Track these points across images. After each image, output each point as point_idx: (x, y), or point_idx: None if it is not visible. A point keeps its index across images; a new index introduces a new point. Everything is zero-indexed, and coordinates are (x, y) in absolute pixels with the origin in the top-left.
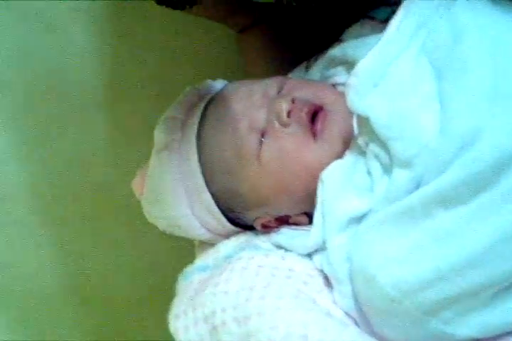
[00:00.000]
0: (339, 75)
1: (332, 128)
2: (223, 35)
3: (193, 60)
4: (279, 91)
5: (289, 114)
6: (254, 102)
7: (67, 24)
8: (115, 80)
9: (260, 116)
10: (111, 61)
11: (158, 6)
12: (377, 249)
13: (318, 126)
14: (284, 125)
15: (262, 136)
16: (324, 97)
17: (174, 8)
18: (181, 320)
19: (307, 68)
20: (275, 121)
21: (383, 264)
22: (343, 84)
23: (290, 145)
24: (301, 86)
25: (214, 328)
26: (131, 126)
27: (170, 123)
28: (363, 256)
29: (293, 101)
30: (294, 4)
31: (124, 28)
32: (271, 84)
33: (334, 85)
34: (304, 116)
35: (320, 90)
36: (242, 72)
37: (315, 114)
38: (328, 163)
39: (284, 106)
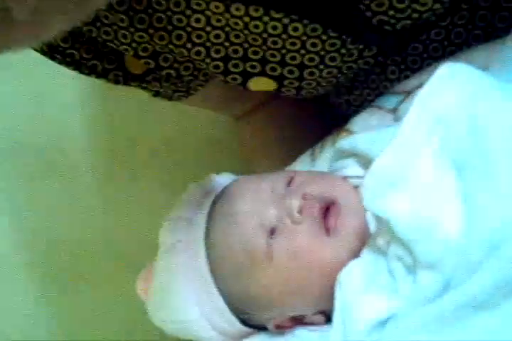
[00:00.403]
0: (349, 168)
1: (346, 223)
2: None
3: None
4: (288, 185)
5: (300, 210)
6: (262, 200)
7: None
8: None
9: (270, 214)
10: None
11: None
12: None
13: (332, 222)
14: (296, 223)
15: (273, 234)
16: (336, 191)
17: (169, 100)
18: None
19: (312, 157)
20: (286, 219)
21: None
22: (355, 177)
23: (303, 243)
24: (312, 180)
25: None
26: None
27: (176, 223)
28: None
29: (304, 197)
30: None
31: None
32: (279, 179)
33: (345, 178)
34: (316, 212)
35: (331, 184)
36: (243, 159)
37: (327, 209)
38: (343, 260)
39: (295, 202)
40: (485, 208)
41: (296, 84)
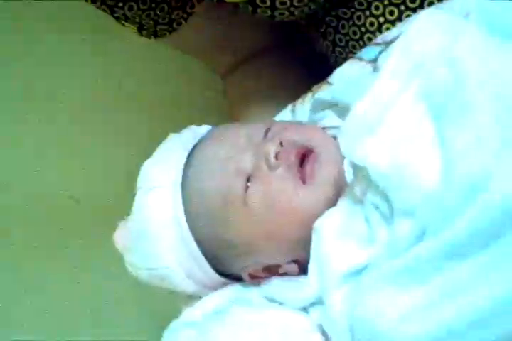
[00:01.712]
0: (328, 118)
1: (322, 171)
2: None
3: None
4: (265, 134)
5: (277, 156)
6: (240, 146)
7: None
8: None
9: (247, 160)
10: None
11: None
12: (384, 305)
13: (308, 169)
14: (272, 168)
15: (249, 179)
16: (314, 139)
17: (154, 36)
18: None
19: (293, 111)
20: (263, 164)
21: (391, 321)
22: (333, 127)
23: (278, 189)
24: (290, 128)
25: None
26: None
27: (154, 168)
28: (368, 313)
29: (281, 143)
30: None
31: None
32: (257, 127)
33: (324, 128)
34: (292, 158)
35: (309, 132)
36: (228, 115)
37: (304, 156)
38: (318, 209)
39: (272, 148)
40: (462, 154)
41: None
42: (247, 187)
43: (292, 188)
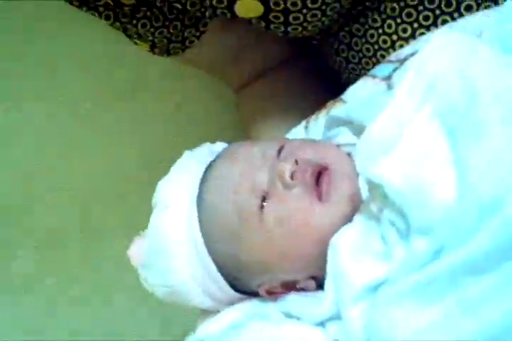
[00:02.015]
0: (342, 135)
1: (338, 189)
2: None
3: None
4: (279, 152)
5: (292, 175)
6: (254, 164)
7: None
8: None
9: (262, 179)
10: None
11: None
12: (402, 321)
13: (324, 187)
14: (288, 187)
15: (264, 198)
16: (328, 157)
17: (167, 54)
18: None
19: (306, 128)
20: (278, 184)
21: (410, 337)
22: (348, 145)
23: (295, 208)
24: (304, 146)
25: None
26: None
27: (169, 186)
28: (387, 328)
29: (296, 162)
30: None
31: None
32: (271, 145)
33: (338, 146)
34: (308, 177)
35: (324, 150)
36: (242, 129)
37: (319, 174)
38: (335, 226)
39: (288, 167)
40: (477, 172)
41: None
42: (262, 206)
43: (309, 206)
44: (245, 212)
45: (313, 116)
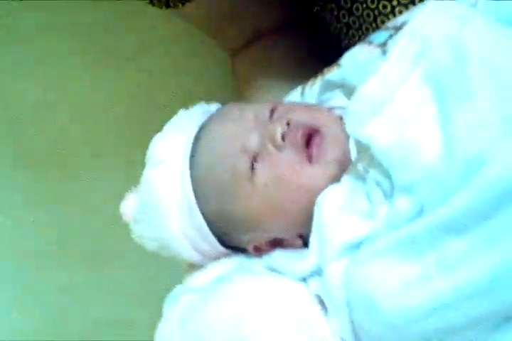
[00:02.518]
0: (336, 99)
1: (328, 151)
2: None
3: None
4: (271, 114)
5: (283, 136)
6: (246, 125)
7: None
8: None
9: (253, 139)
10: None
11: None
12: (381, 277)
13: (314, 149)
14: (279, 148)
15: (255, 159)
16: (319, 120)
17: (166, 6)
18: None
19: (302, 93)
20: (269, 145)
21: (387, 292)
22: (340, 108)
23: (285, 168)
24: (296, 108)
25: None
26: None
27: (164, 142)
28: (365, 284)
29: (287, 123)
30: None
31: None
32: (263, 107)
33: (330, 109)
34: (299, 139)
35: (315, 113)
36: (236, 93)
37: (310, 136)
38: (323, 187)
39: (279, 129)
40: (462, 133)
41: None
42: (253, 167)
43: (299, 168)
44: (236, 172)
45: (310, 82)
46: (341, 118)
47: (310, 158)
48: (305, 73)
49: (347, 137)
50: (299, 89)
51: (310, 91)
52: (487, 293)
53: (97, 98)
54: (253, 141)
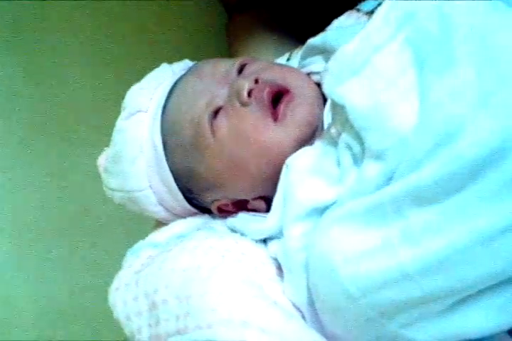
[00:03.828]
0: (316, 64)
1: (296, 112)
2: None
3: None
4: (242, 70)
5: (250, 93)
6: (215, 80)
7: None
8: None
9: (220, 94)
10: None
11: None
12: (343, 242)
13: (281, 108)
14: (244, 104)
15: (218, 112)
16: (291, 80)
17: None
18: (121, 293)
19: (288, 60)
20: (235, 100)
21: (347, 258)
22: (318, 73)
23: (247, 124)
24: (268, 67)
25: (154, 304)
26: None
27: (140, 94)
28: (325, 248)
29: (256, 80)
30: None
31: None
32: (234, 63)
33: (309, 74)
34: (265, 96)
35: (288, 73)
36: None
37: (280, 96)
38: (288, 148)
39: (246, 84)
40: (438, 104)
41: None
42: (215, 121)
43: (262, 125)
44: (199, 125)
45: (297, 49)
46: (318, 84)
47: (276, 117)
48: (298, 40)
49: (320, 101)
50: (287, 55)
51: (295, 59)
52: (448, 269)
53: None
54: (220, 96)
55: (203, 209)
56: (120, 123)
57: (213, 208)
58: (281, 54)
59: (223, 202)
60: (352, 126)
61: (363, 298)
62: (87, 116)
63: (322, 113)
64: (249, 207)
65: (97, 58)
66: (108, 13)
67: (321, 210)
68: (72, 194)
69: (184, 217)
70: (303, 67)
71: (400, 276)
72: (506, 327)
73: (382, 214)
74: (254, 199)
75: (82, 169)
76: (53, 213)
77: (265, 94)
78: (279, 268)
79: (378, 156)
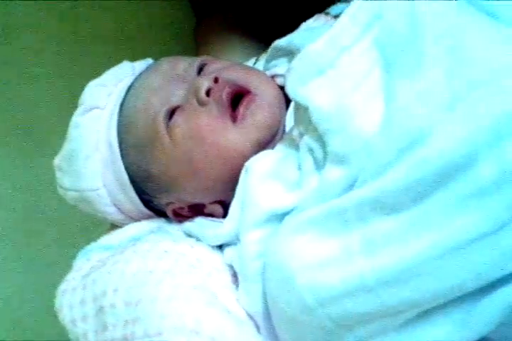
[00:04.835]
0: (281, 66)
1: (256, 114)
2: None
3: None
4: (201, 69)
5: (208, 92)
6: (174, 78)
7: None
8: None
9: (177, 93)
10: None
11: None
12: (301, 250)
13: (241, 110)
14: (201, 103)
15: (174, 111)
16: (253, 81)
17: None
18: (68, 296)
19: (255, 63)
20: (193, 99)
21: (305, 266)
22: (283, 76)
23: (204, 125)
24: (230, 67)
25: (101, 309)
26: None
27: (97, 90)
28: (283, 255)
29: (216, 80)
30: None
31: None
32: (196, 62)
33: (273, 76)
34: (224, 96)
35: (250, 74)
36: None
37: (241, 97)
38: (246, 151)
39: (205, 83)
40: (404, 107)
41: None
42: (170, 119)
43: (220, 126)
44: (154, 124)
45: (264, 53)
46: (282, 87)
47: (234, 119)
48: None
49: (282, 104)
50: (253, 60)
51: (262, 61)
52: (409, 280)
53: None
54: (177, 95)
55: (159, 213)
56: (76, 119)
57: (169, 211)
58: (249, 58)
59: (179, 205)
60: (315, 129)
61: (320, 309)
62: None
63: (284, 116)
64: (205, 211)
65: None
66: (74, 14)
67: (280, 216)
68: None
69: (139, 220)
70: (267, 69)
71: (358, 287)
72: None
73: (343, 221)
74: (211, 203)
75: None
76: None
77: (224, 94)
78: (235, 275)
79: (341, 160)
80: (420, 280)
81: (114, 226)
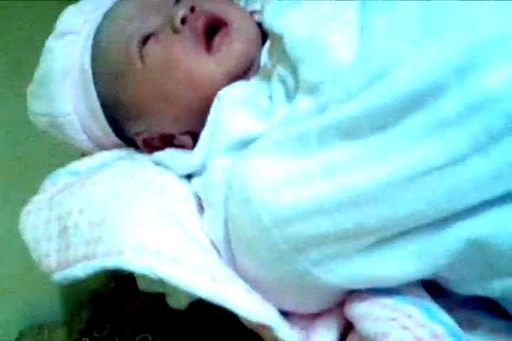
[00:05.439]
0: (259, 2)
1: (231, 45)
2: None
3: None
4: (178, 0)
5: (184, 20)
6: (150, 6)
7: None
8: None
9: (153, 20)
10: None
11: None
12: (261, 170)
13: (216, 40)
14: (176, 30)
15: (148, 39)
16: (231, 14)
17: None
18: (32, 216)
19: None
20: (168, 27)
21: (263, 186)
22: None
23: (177, 52)
24: None
25: (65, 229)
26: None
27: (74, 15)
28: (244, 176)
29: (192, 9)
30: None
31: None
32: None
33: (252, 13)
34: (199, 25)
35: (228, 7)
36: None
37: (217, 29)
38: (219, 81)
39: (181, 11)
40: (378, 37)
41: None
42: (144, 46)
43: (193, 55)
44: (127, 50)
45: None
46: (260, 24)
47: (209, 48)
48: None
49: (259, 40)
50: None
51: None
52: (365, 205)
53: None
54: (153, 22)
55: (130, 143)
56: (50, 43)
57: (139, 141)
58: None
59: (149, 135)
60: (288, 58)
61: (276, 229)
62: None
63: (260, 52)
64: (175, 142)
65: None
66: None
67: (248, 143)
68: None
69: (109, 149)
70: (247, 5)
71: (314, 209)
72: (419, 276)
73: (305, 144)
74: (182, 134)
75: None
76: None
77: (200, 23)
78: (200, 205)
79: (312, 89)
80: (376, 205)
81: (84, 155)
